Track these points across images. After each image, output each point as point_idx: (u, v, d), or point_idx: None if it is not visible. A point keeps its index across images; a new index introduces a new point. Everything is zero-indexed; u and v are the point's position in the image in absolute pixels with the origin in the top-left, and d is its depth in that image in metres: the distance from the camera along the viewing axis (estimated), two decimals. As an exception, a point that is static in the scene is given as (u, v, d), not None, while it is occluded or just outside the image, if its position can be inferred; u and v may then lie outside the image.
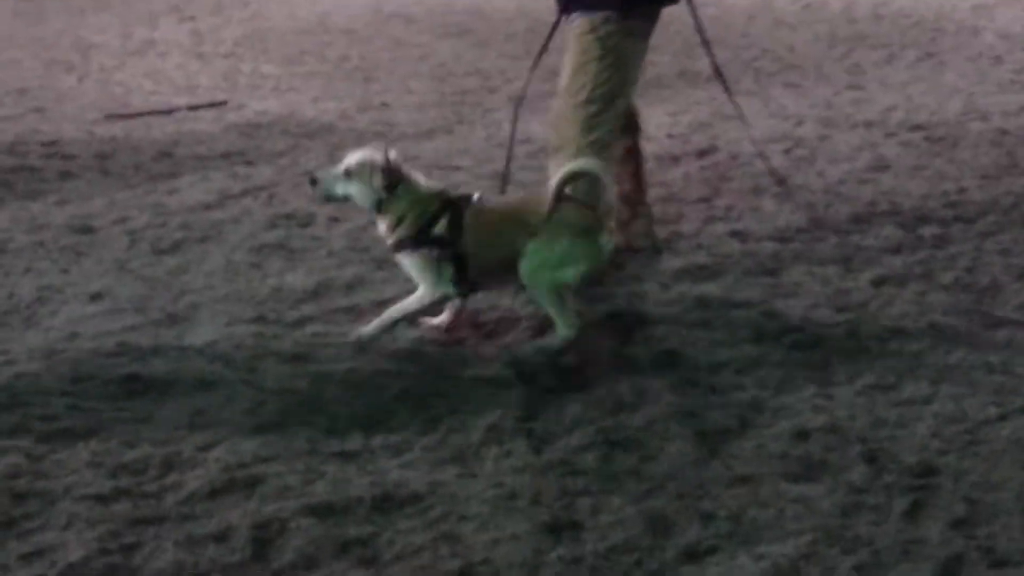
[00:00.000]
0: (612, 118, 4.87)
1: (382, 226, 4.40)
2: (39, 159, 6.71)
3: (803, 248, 5.29)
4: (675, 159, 6.65)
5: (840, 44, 9.70)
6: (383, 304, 4.71)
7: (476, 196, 4.45)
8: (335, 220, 5.77)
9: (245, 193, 6.20)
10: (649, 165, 5.62)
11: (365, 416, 3.92)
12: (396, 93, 8.45)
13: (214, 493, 3.47)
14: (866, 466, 3.55)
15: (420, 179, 4.44)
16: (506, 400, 4.01)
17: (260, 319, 4.63)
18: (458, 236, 4.34)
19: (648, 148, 5.68)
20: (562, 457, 3.65)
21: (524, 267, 4.29)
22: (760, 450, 3.67)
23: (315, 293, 4.90)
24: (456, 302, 4.52)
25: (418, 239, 4.34)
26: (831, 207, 5.82)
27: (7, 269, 5.10)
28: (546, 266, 4.27)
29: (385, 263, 5.19)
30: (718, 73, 5.31)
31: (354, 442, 3.76)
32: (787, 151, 6.73)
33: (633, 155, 5.23)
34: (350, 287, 4.96)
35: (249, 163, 6.73)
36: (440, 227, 4.34)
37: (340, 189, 4.37)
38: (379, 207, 4.36)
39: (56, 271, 5.10)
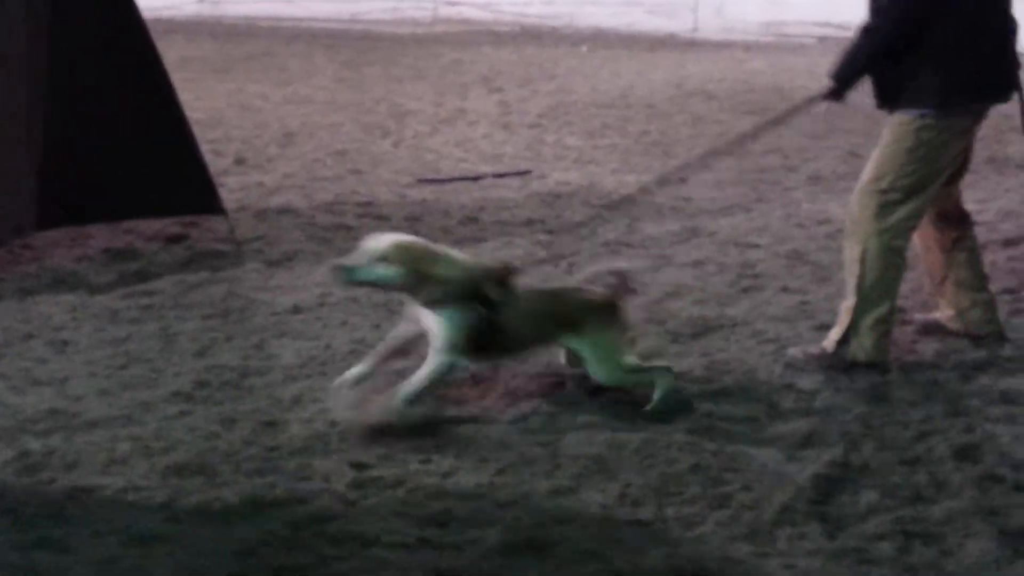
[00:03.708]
0: (911, 209, 4.84)
1: (421, 296, 4.43)
2: (355, 219, 7.10)
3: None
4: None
5: None
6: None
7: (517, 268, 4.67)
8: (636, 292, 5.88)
9: (546, 261, 6.39)
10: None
11: (659, 486, 3.99)
12: (694, 169, 8.53)
13: (513, 551, 3.59)
14: None
15: (445, 251, 4.54)
16: (799, 480, 4.00)
17: (558, 385, 4.75)
18: (505, 303, 4.46)
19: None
20: (857, 545, 3.62)
21: (596, 371, 4.54)
22: (1068, 555, 3.54)
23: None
24: None
25: (468, 296, 4.42)
26: None
27: (325, 322, 5.42)
28: (612, 362, 4.52)
29: (681, 336, 5.29)
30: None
31: (647, 511, 3.83)
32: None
33: (963, 243, 5.18)
34: (645, 358, 5.04)
35: (550, 232, 6.93)
36: (490, 295, 4.45)
37: (371, 273, 4.41)
38: (413, 285, 4.41)
39: (368, 326, 5.38)
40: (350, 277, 4.47)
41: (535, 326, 4.58)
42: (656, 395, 4.57)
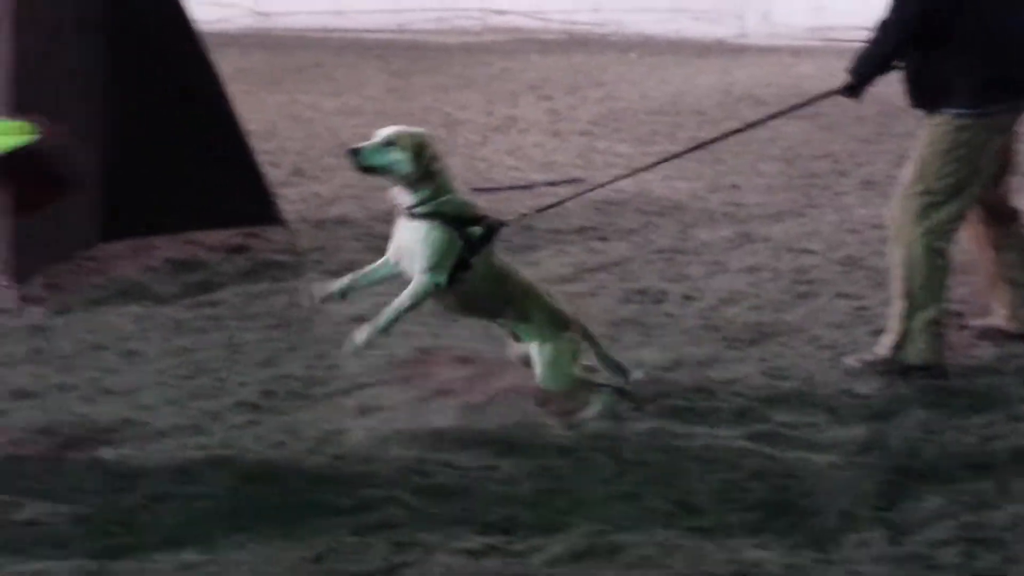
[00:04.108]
0: (952, 210, 4.82)
1: (411, 196, 4.42)
2: (411, 228, 7.15)
3: None
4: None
5: None
6: (731, 383, 4.86)
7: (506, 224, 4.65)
8: (687, 298, 5.92)
9: (600, 268, 6.43)
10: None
11: (720, 492, 4.02)
12: (745, 175, 8.56)
13: (577, 557, 3.65)
14: None
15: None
16: (861, 486, 4.04)
17: (618, 392, 4.79)
18: (480, 249, 4.47)
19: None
20: (921, 551, 3.64)
21: (543, 377, 4.53)
22: None
23: (669, 369, 5.04)
24: None
25: (455, 221, 4.42)
26: None
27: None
28: (560, 368, 4.53)
29: (738, 342, 5.32)
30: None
31: (710, 518, 3.87)
32: None
33: (1013, 241, 5.16)
34: (703, 364, 5.09)
35: (603, 239, 6.97)
36: (475, 233, 4.46)
37: (380, 159, 4.40)
38: (416, 179, 4.40)
39: (429, 334, 5.45)
40: (360, 161, 4.45)
41: (492, 291, 4.56)
42: (590, 409, 4.59)
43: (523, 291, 4.62)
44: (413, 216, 4.45)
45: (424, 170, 4.41)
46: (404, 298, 4.45)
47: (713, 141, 5.90)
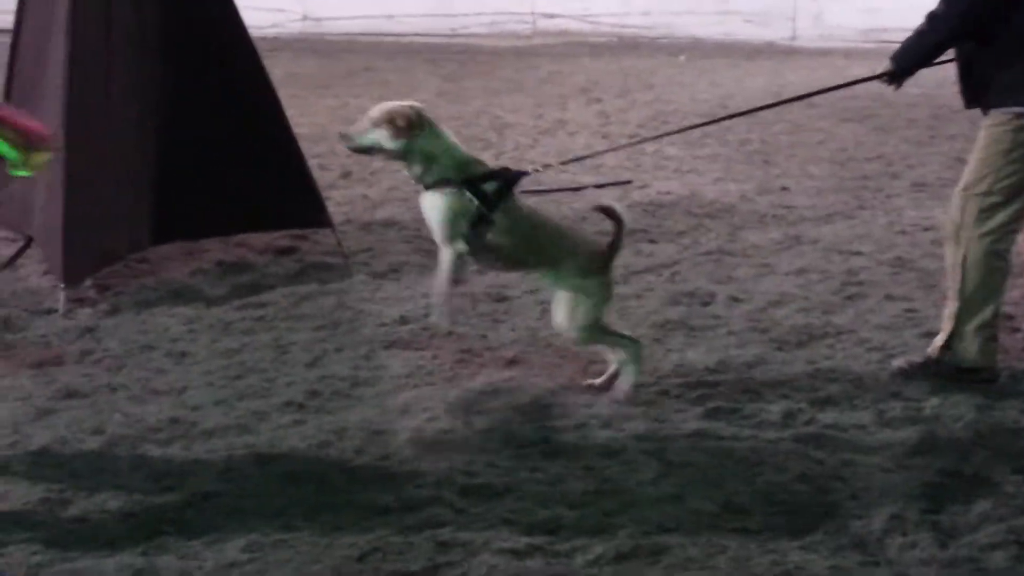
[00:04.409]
0: (1012, 212, 4.75)
1: (414, 169, 4.52)
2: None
3: None
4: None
5: None
6: (778, 385, 4.83)
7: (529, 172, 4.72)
8: (735, 300, 5.89)
9: (648, 270, 6.41)
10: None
11: (765, 494, 4.00)
12: (796, 177, 8.51)
13: (621, 558, 3.64)
14: None
15: (448, 135, 4.57)
16: (909, 489, 4.00)
17: (663, 393, 4.79)
18: (498, 205, 4.50)
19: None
20: (970, 554, 3.60)
21: (562, 318, 4.58)
22: None
23: (715, 371, 5.02)
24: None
25: (465, 184, 4.47)
26: None
27: (432, 332, 5.49)
28: (580, 314, 4.56)
29: (786, 344, 5.29)
30: None
31: (754, 520, 3.85)
32: None
33: None
34: (750, 366, 5.06)
35: (652, 241, 6.95)
36: (489, 187, 4.49)
37: (366, 138, 4.53)
38: (407, 153, 4.49)
39: (475, 335, 5.46)
40: (349, 143, 4.62)
41: (519, 243, 4.60)
42: (627, 377, 4.62)
43: (551, 236, 4.65)
44: (425, 187, 4.52)
45: (407, 142, 4.48)
46: (439, 275, 4.61)
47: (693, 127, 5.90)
